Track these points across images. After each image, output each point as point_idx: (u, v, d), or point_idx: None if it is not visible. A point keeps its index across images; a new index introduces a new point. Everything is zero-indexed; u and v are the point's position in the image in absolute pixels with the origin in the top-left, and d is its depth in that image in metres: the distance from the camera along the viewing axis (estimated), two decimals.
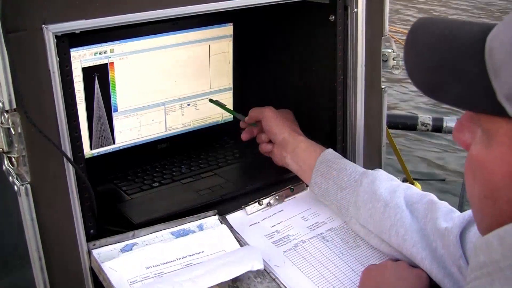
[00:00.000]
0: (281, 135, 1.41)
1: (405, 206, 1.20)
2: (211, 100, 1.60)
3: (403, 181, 2.28)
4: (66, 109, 1.06)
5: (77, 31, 1.05)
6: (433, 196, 1.23)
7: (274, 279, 1.19)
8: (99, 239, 1.19)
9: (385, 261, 1.20)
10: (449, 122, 2.78)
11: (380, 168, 1.45)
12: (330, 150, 1.37)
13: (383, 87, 1.53)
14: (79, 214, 1.11)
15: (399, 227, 1.17)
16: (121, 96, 1.46)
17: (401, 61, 1.55)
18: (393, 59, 1.54)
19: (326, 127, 1.51)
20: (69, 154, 1.07)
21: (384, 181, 1.26)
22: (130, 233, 1.22)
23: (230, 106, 1.67)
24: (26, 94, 1.01)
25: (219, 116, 1.67)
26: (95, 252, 1.17)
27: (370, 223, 1.22)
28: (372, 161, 1.53)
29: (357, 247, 1.29)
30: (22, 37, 1.00)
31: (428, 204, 1.19)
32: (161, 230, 1.25)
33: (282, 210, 1.37)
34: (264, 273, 1.21)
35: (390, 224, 1.18)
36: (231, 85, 1.67)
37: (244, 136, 1.53)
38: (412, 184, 2.23)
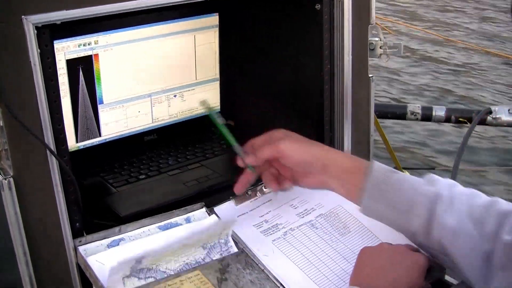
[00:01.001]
0: (311, 164, 1.23)
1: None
2: (210, 113, 1.40)
3: None
4: (49, 101, 1.05)
5: (58, 22, 1.03)
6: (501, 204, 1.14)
7: (263, 270, 1.18)
8: (85, 236, 1.18)
9: (381, 244, 1.18)
10: (438, 111, 2.78)
11: (368, 155, 1.44)
12: (376, 165, 1.19)
13: (370, 75, 1.52)
14: (63, 207, 1.10)
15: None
16: (107, 88, 1.44)
17: (388, 49, 1.54)
18: (380, 47, 1.53)
19: (314, 116, 1.50)
20: (53, 147, 1.06)
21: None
22: (117, 229, 1.21)
23: (216, 97, 1.66)
24: (7, 87, 1.00)
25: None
26: (81, 248, 1.16)
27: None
28: (361, 151, 1.52)
29: (348, 233, 1.29)
30: (1, 29, 0.98)
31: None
32: (147, 225, 1.24)
33: (270, 199, 1.35)
34: (253, 264, 1.20)
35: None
36: (218, 76, 1.66)
37: (239, 189, 1.29)
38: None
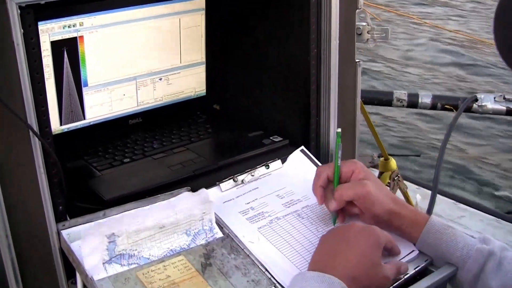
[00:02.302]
0: (388, 214, 1.22)
1: None
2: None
3: (378, 157, 2.29)
4: (32, 82, 1.03)
5: (42, 2, 1.01)
6: None
7: (248, 255, 1.18)
8: (69, 220, 1.16)
9: (338, 226, 1.20)
10: (425, 98, 2.78)
11: (354, 140, 1.44)
12: (435, 218, 1.23)
13: (357, 60, 1.51)
14: (46, 190, 1.09)
15: None
16: (91, 70, 1.42)
17: (376, 33, 1.53)
18: (368, 32, 1.52)
19: (300, 101, 1.49)
20: (36, 128, 1.05)
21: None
22: (101, 213, 1.20)
23: (202, 81, 1.64)
24: None
25: (192, 91, 1.64)
26: (64, 232, 1.14)
27: None
28: (346, 136, 1.51)
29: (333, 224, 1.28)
30: None
31: None
32: (132, 209, 1.22)
33: (257, 187, 1.35)
34: (238, 249, 1.19)
35: None
36: (204, 60, 1.64)
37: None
38: (387, 159, 2.23)
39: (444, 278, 1.18)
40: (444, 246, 1.19)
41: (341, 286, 1.03)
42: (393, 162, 2.22)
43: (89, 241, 1.10)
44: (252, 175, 1.36)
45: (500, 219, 2.20)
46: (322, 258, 1.12)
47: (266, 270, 1.15)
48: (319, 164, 1.41)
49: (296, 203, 1.32)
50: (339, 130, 1.28)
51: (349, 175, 1.26)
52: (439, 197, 1.91)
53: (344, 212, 1.26)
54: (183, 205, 1.21)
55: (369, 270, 1.09)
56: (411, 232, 1.22)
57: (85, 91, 1.43)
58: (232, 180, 1.33)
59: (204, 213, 1.22)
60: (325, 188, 1.26)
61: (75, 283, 1.15)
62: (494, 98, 2.68)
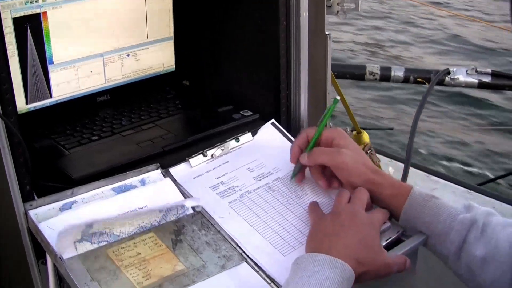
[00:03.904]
0: (364, 183, 1.21)
1: None
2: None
3: (351, 131, 2.29)
4: None
5: None
6: None
7: (219, 231, 1.17)
8: (36, 199, 1.14)
9: (337, 207, 1.17)
10: (397, 71, 2.78)
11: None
12: (417, 190, 1.21)
13: (327, 33, 1.50)
14: (12, 170, 1.07)
15: None
16: (56, 47, 1.39)
17: (346, 5, 1.52)
18: (338, 4, 1.51)
19: (270, 75, 1.47)
20: None
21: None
22: (69, 191, 1.18)
23: (171, 56, 1.62)
24: None
25: (160, 67, 1.62)
26: (32, 212, 1.12)
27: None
28: (317, 110, 1.51)
29: (305, 195, 1.27)
30: None
31: None
32: (101, 187, 1.21)
33: (227, 161, 1.33)
34: (209, 225, 1.18)
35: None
36: (172, 35, 1.62)
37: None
38: (360, 133, 2.23)
39: (414, 248, 1.18)
40: (427, 218, 1.17)
41: (350, 274, 1.03)
42: (365, 135, 2.21)
43: (57, 220, 1.09)
44: (222, 149, 1.34)
45: (472, 191, 2.22)
46: (322, 240, 1.10)
47: (237, 245, 1.15)
48: (290, 136, 1.40)
49: (267, 176, 1.31)
50: (338, 97, 1.27)
51: (330, 142, 1.25)
52: (411, 170, 1.90)
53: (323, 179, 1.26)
54: (152, 182, 1.20)
55: (371, 253, 1.09)
56: (392, 204, 1.21)
57: (50, 68, 1.40)
58: (201, 155, 1.32)
59: (175, 190, 1.21)
60: (303, 149, 1.26)
61: (45, 263, 1.14)
62: (466, 71, 2.69)
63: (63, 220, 1.11)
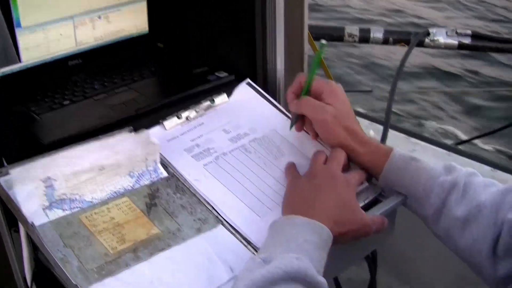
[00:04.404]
0: (340, 146, 1.20)
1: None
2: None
3: None
4: None
5: None
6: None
7: (194, 194, 1.15)
8: (6, 166, 1.11)
9: (313, 168, 1.16)
10: (376, 32, 2.75)
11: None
12: (397, 152, 1.19)
13: None
14: None
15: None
16: (24, 10, 1.35)
17: None
18: None
19: (245, 36, 1.45)
20: None
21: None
22: (39, 157, 1.14)
23: (144, 18, 1.58)
24: None
25: (133, 29, 1.58)
26: (1, 180, 1.09)
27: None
28: (295, 71, 1.48)
29: (282, 156, 1.25)
30: None
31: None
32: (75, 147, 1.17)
33: (202, 123, 1.30)
34: (184, 188, 1.16)
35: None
36: None
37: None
38: None
39: (392, 208, 1.17)
40: (407, 181, 1.16)
41: (328, 235, 1.01)
42: None
43: (24, 187, 1.06)
44: (197, 111, 1.31)
45: (451, 152, 2.21)
46: (299, 203, 1.09)
47: (213, 208, 1.13)
48: (267, 96, 1.37)
49: (243, 137, 1.28)
50: (324, 41, 1.24)
51: (319, 95, 1.21)
52: (390, 132, 1.90)
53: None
54: (124, 146, 1.17)
55: (349, 214, 1.07)
56: (371, 168, 1.20)
57: (18, 32, 1.36)
58: (176, 117, 1.28)
59: (148, 153, 1.18)
60: (298, 96, 1.23)
61: (18, 231, 1.11)
62: (446, 32, 2.67)
63: (34, 187, 1.09)
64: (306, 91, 1.21)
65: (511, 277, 1.07)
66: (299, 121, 1.25)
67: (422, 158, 1.19)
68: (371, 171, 1.20)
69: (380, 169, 1.18)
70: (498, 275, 1.08)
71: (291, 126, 1.26)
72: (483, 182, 1.13)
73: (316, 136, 1.24)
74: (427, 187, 1.14)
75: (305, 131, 1.27)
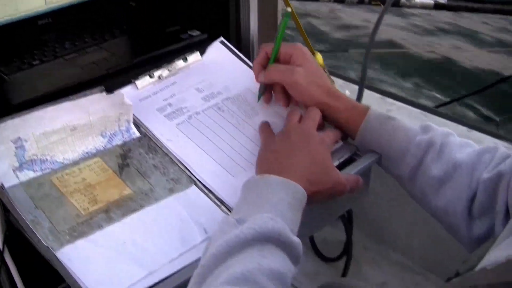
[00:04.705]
0: (317, 104, 1.18)
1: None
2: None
3: None
4: None
5: None
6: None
7: (166, 154, 1.13)
8: None
9: (288, 127, 1.14)
10: None
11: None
12: (373, 111, 1.18)
13: None
14: None
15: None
16: None
17: None
18: None
19: None
20: None
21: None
22: (8, 119, 1.12)
23: None
24: None
25: None
26: None
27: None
28: (268, 27, 1.46)
29: (255, 115, 1.24)
30: None
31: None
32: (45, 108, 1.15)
33: (175, 82, 1.28)
34: (156, 148, 1.14)
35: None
36: None
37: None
38: (313, 54, 2.19)
39: (367, 167, 1.16)
40: (383, 140, 1.16)
41: (302, 194, 1.00)
42: (319, 57, 2.17)
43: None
44: (169, 70, 1.29)
45: (427, 113, 2.21)
46: (272, 162, 1.07)
47: (186, 168, 1.11)
48: (240, 54, 1.35)
49: (217, 96, 1.26)
50: (290, 9, 1.22)
51: (288, 59, 1.20)
52: (366, 92, 1.89)
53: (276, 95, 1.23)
54: (97, 107, 1.15)
55: (323, 173, 1.06)
56: (348, 126, 1.19)
57: None
58: (148, 76, 1.26)
59: (121, 113, 1.17)
60: (265, 67, 1.21)
61: None
62: None
63: (4, 148, 1.07)
64: (274, 59, 1.20)
65: (485, 238, 1.07)
66: (267, 93, 1.24)
67: (398, 117, 1.18)
68: (347, 130, 1.20)
69: (356, 128, 1.17)
70: (473, 235, 1.09)
71: (258, 98, 1.25)
72: (459, 143, 1.13)
73: (287, 103, 1.23)
74: (403, 147, 1.14)
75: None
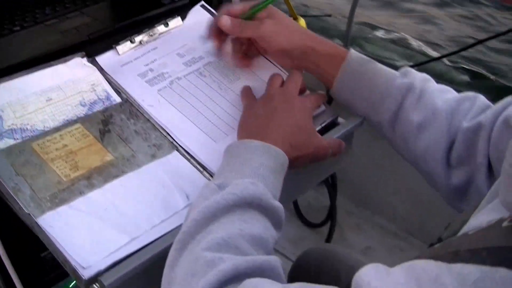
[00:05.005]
0: (290, 52, 1.17)
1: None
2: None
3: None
4: None
5: None
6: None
7: (148, 119, 1.13)
8: None
9: (270, 91, 1.13)
10: None
11: None
12: (353, 54, 1.16)
13: None
14: None
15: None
16: None
17: None
18: None
19: None
20: None
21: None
22: None
23: None
24: None
25: None
26: None
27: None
28: None
29: (237, 79, 1.23)
30: None
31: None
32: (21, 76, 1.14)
33: (156, 47, 1.27)
34: (138, 114, 1.13)
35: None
36: None
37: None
38: (296, 19, 2.18)
39: (349, 131, 1.16)
40: (363, 84, 1.15)
41: (284, 159, 0.99)
42: (302, 22, 2.16)
43: None
44: (151, 35, 1.28)
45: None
46: (254, 126, 1.06)
47: (168, 133, 1.11)
48: None
49: (198, 61, 1.25)
50: None
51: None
52: None
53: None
54: (63, 78, 1.14)
55: (305, 137, 1.06)
56: (326, 70, 1.17)
57: None
58: (129, 41, 1.25)
59: (93, 84, 1.16)
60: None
61: None
62: None
63: None
64: (249, 16, 1.18)
65: (463, 187, 1.08)
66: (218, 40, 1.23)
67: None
68: (326, 75, 1.18)
69: (336, 71, 1.16)
70: (451, 185, 1.09)
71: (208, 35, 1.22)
72: (439, 88, 1.13)
73: (243, 64, 1.24)
74: (383, 90, 1.13)
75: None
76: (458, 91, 1.14)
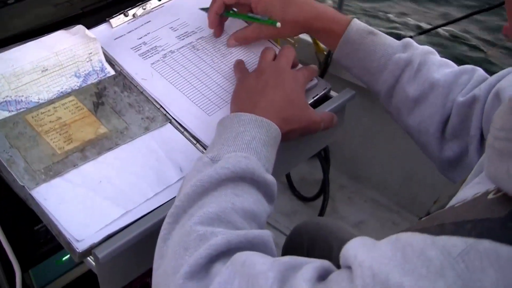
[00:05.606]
0: (295, 24, 1.19)
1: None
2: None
3: None
4: None
5: None
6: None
7: (141, 92, 1.13)
8: None
9: (262, 64, 1.14)
10: None
11: None
12: (355, 24, 1.17)
13: None
14: None
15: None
16: None
17: None
18: None
19: None
20: None
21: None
22: None
23: None
24: None
25: None
26: None
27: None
28: None
29: (230, 53, 1.23)
30: None
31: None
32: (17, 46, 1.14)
33: (149, 21, 1.27)
34: (131, 86, 1.14)
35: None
36: None
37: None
38: None
39: (341, 104, 1.17)
40: (361, 55, 1.16)
41: (277, 132, 1.00)
42: None
43: None
44: (144, 8, 1.28)
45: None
46: (246, 99, 1.07)
47: (161, 106, 1.11)
48: None
49: (191, 35, 1.26)
50: None
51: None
52: None
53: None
54: (63, 46, 1.14)
55: (297, 110, 1.06)
56: (328, 38, 1.19)
57: None
58: (122, 15, 1.25)
59: (90, 53, 1.16)
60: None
61: None
62: None
63: None
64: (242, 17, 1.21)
65: (457, 159, 1.09)
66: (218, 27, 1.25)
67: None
68: (327, 41, 1.20)
69: (336, 40, 1.17)
70: (444, 156, 1.11)
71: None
72: (439, 62, 1.13)
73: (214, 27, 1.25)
74: (381, 63, 1.14)
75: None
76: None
